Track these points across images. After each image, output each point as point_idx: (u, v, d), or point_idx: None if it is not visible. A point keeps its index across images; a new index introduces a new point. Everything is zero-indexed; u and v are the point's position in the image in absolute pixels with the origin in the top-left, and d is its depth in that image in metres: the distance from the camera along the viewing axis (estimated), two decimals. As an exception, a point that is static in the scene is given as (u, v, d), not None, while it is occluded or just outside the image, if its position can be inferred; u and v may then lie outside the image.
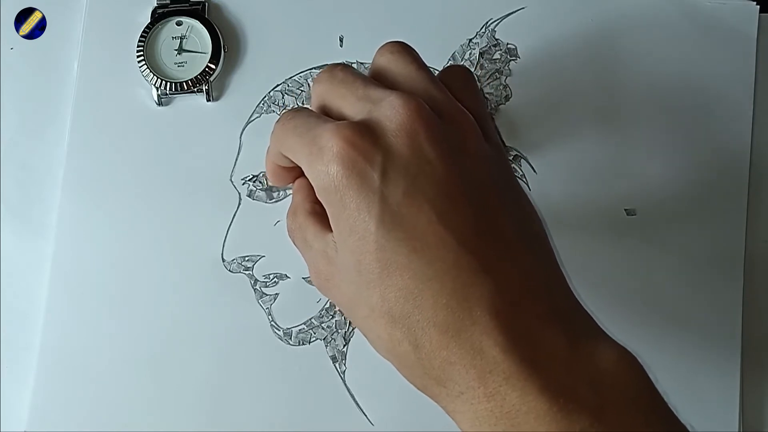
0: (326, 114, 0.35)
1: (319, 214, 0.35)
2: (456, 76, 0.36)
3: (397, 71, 0.34)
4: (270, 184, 0.44)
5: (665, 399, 0.31)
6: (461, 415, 0.30)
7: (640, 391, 0.30)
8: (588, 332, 0.31)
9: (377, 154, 0.31)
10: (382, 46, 0.35)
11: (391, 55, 0.35)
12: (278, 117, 0.36)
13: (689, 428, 0.31)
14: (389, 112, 0.32)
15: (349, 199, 0.31)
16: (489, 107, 0.45)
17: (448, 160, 0.31)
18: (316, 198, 0.34)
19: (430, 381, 0.31)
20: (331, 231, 0.33)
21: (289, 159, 0.35)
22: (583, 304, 0.33)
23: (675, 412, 0.31)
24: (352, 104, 0.33)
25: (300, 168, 0.35)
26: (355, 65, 0.45)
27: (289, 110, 0.35)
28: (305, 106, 0.45)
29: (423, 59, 0.35)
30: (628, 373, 0.30)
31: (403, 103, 0.31)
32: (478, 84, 0.45)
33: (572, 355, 0.30)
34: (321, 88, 0.35)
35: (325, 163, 0.31)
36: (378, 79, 0.35)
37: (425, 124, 0.31)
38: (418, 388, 0.32)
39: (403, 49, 0.35)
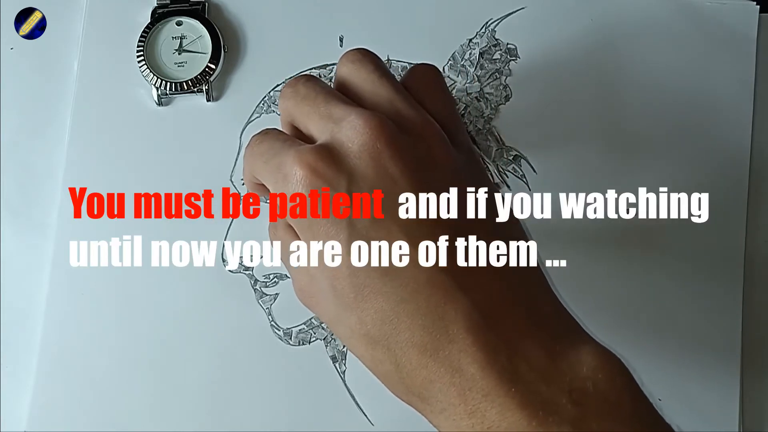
0: (295, 130, 0.34)
1: None
2: (421, 77, 0.35)
3: (360, 83, 0.34)
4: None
5: (651, 400, 0.30)
6: (445, 430, 0.30)
7: (623, 397, 0.29)
8: (569, 338, 0.31)
9: (342, 179, 0.31)
10: (344, 55, 0.34)
11: (353, 64, 0.34)
12: (252, 136, 0.35)
13: (675, 429, 0.30)
14: (350, 133, 0.31)
15: (317, 226, 0.31)
16: (489, 107, 0.45)
17: (414, 177, 0.31)
18: None
19: (413, 398, 0.31)
20: None
21: None
22: (565, 306, 0.32)
23: (661, 414, 0.30)
24: (315, 123, 0.33)
25: None
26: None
27: (257, 134, 0.35)
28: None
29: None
30: (611, 378, 0.29)
31: (364, 122, 0.31)
32: (478, 83, 0.45)
33: (552, 366, 0.29)
34: (286, 104, 0.34)
35: (291, 190, 0.31)
36: (342, 91, 0.34)
37: (388, 142, 0.31)
38: (405, 402, 0.32)
39: (365, 57, 0.34)
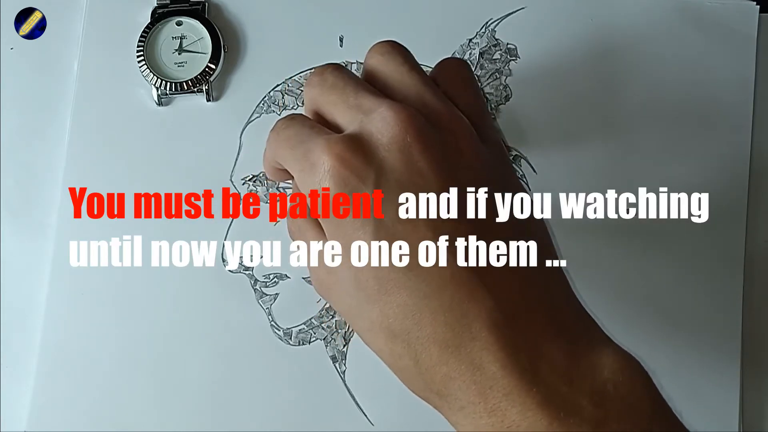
0: (320, 118, 0.34)
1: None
2: (450, 71, 0.35)
3: (389, 74, 0.34)
4: (270, 180, 0.43)
5: (670, 405, 0.30)
6: (463, 428, 0.30)
7: (643, 400, 0.29)
8: (590, 339, 0.31)
9: (370, 171, 0.31)
10: (373, 47, 0.34)
11: (382, 56, 0.34)
12: (276, 120, 0.35)
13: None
14: (380, 124, 0.31)
15: (345, 224, 0.31)
16: (489, 107, 0.45)
17: (442, 172, 0.31)
18: None
19: (431, 394, 0.31)
20: None
21: None
22: (586, 308, 0.32)
23: (680, 418, 0.30)
24: (343, 113, 0.33)
25: None
26: (355, 65, 0.45)
27: (283, 118, 0.35)
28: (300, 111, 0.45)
29: (417, 57, 0.35)
30: (631, 381, 0.29)
31: (394, 114, 0.31)
32: (478, 83, 0.45)
33: (573, 367, 0.29)
34: (312, 92, 0.34)
35: (318, 180, 0.31)
36: (370, 82, 0.34)
37: (417, 136, 0.31)
38: (422, 399, 0.32)
39: (394, 49, 0.34)
